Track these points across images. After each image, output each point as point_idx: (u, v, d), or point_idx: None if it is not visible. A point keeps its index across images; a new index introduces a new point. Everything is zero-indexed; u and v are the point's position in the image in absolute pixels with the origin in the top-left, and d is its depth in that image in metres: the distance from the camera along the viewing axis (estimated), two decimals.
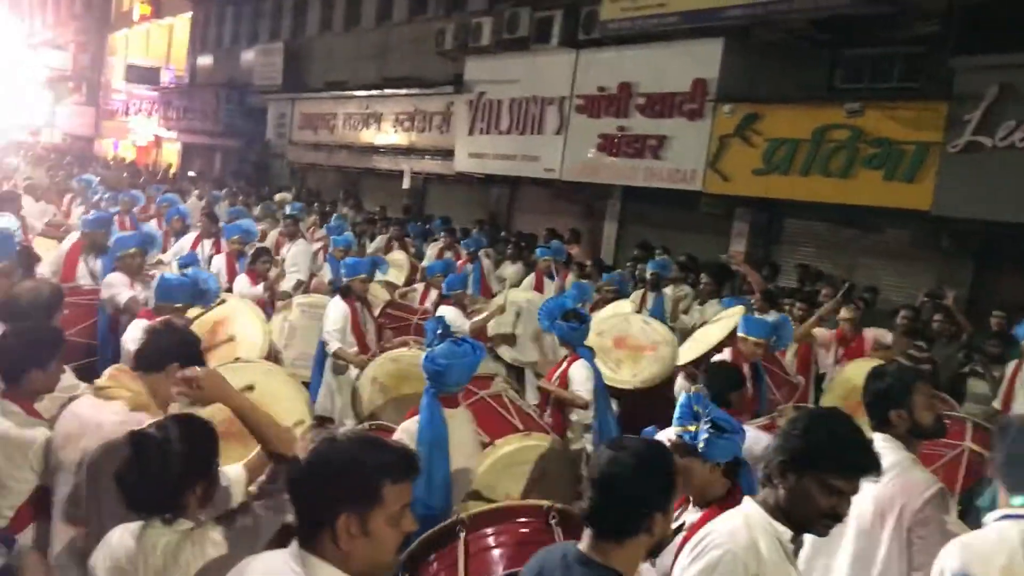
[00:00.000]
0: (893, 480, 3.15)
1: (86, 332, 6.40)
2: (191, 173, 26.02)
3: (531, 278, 10.11)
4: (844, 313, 7.71)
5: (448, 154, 17.70)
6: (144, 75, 33.03)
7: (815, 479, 2.30)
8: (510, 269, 11.55)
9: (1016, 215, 9.17)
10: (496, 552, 3.32)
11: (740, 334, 6.21)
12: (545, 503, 3.44)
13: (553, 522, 3.32)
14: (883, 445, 3.23)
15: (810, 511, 2.32)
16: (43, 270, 6.68)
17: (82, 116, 39.44)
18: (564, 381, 5.84)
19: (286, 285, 8.40)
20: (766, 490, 2.42)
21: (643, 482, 2.14)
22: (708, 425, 3.06)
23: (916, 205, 10.11)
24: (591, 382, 5.78)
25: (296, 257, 9.67)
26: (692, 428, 3.10)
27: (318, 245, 11.09)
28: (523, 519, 3.43)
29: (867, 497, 3.19)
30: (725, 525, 2.42)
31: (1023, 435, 2.77)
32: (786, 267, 12.16)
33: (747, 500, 2.47)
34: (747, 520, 2.38)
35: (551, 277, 9.93)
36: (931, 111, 9.96)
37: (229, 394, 2.66)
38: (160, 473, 2.46)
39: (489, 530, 3.38)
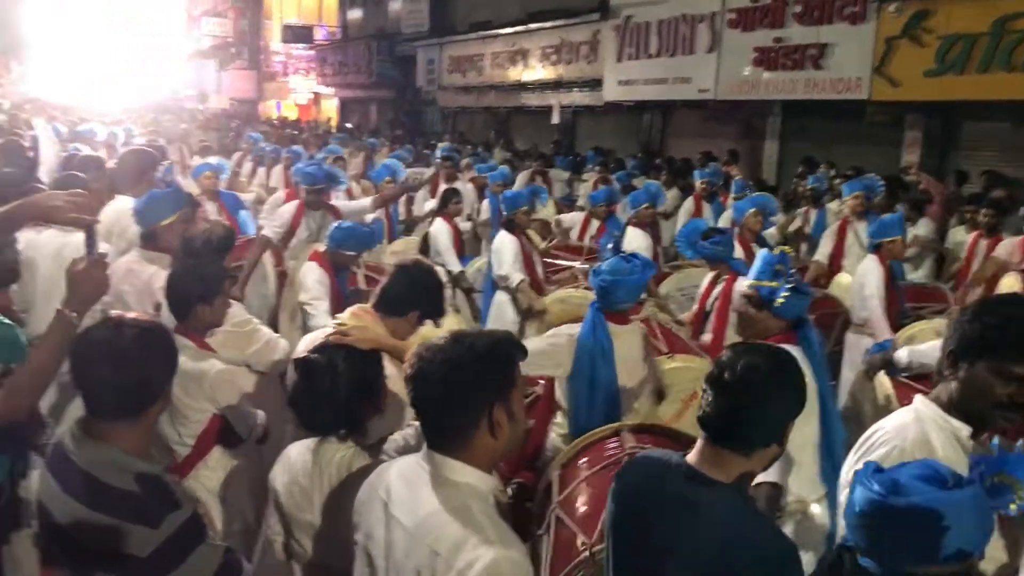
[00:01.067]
0: None
1: None
2: (348, 126, 26.80)
3: (689, 203, 9.85)
4: None
5: (597, 84, 17.44)
6: (299, 34, 34.15)
7: (989, 366, 2.13)
8: (667, 196, 11.29)
9: None
10: None
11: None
12: None
13: None
14: None
15: (986, 402, 2.16)
16: (267, 232, 6.94)
17: (245, 80, 41.24)
18: (726, 301, 5.69)
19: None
20: (939, 386, 2.27)
21: (781, 391, 2.03)
22: (789, 285, 3.35)
23: None
24: None
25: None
26: (772, 284, 3.36)
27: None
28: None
29: None
30: (893, 422, 2.30)
31: None
32: (971, 173, 11.32)
33: (918, 397, 2.32)
34: (918, 415, 2.25)
35: (709, 200, 9.65)
36: None
37: (380, 341, 2.86)
38: (329, 394, 2.56)
39: (644, 439, 3.38)
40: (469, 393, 1.92)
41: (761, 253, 3.63)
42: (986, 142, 11.78)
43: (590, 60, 17.99)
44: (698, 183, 9.89)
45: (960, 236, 8.06)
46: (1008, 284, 5.99)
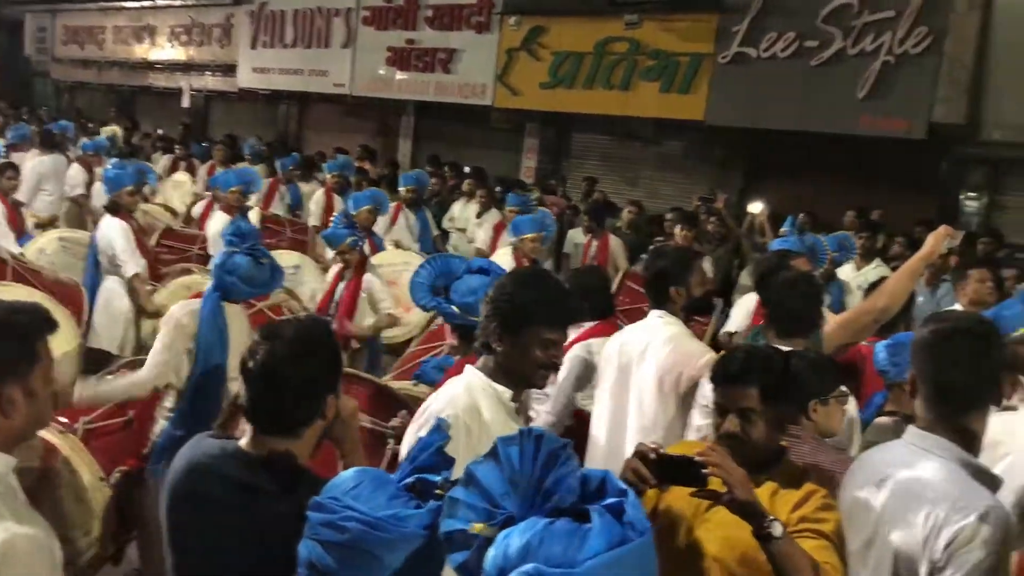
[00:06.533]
0: (672, 351, 3.38)
1: None
2: None
3: (320, 195, 9.81)
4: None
5: (230, 70, 16.85)
6: None
7: (530, 335, 2.37)
8: (304, 189, 11.14)
9: (778, 123, 9.79)
10: None
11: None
12: None
13: None
14: (662, 319, 3.51)
15: (528, 365, 2.40)
16: None
17: None
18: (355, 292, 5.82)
19: None
20: (483, 357, 2.48)
21: (309, 367, 2.00)
22: None
23: (691, 116, 10.59)
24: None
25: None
26: None
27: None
28: None
29: (649, 368, 3.42)
30: (445, 393, 2.48)
31: (785, 287, 3.30)
32: (575, 181, 12.45)
33: (468, 368, 2.52)
34: (468, 385, 2.44)
35: (340, 193, 9.68)
36: (703, 23, 10.38)
37: None
38: None
39: None
40: None
41: None
42: (591, 152, 13.06)
43: (223, 44, 17.32)
44: (328, 176, 9.90)
45: (578, 238, 8.77)
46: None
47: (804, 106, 9.53)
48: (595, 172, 12.44)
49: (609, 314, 4.46)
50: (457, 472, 1.57)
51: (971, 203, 9.51)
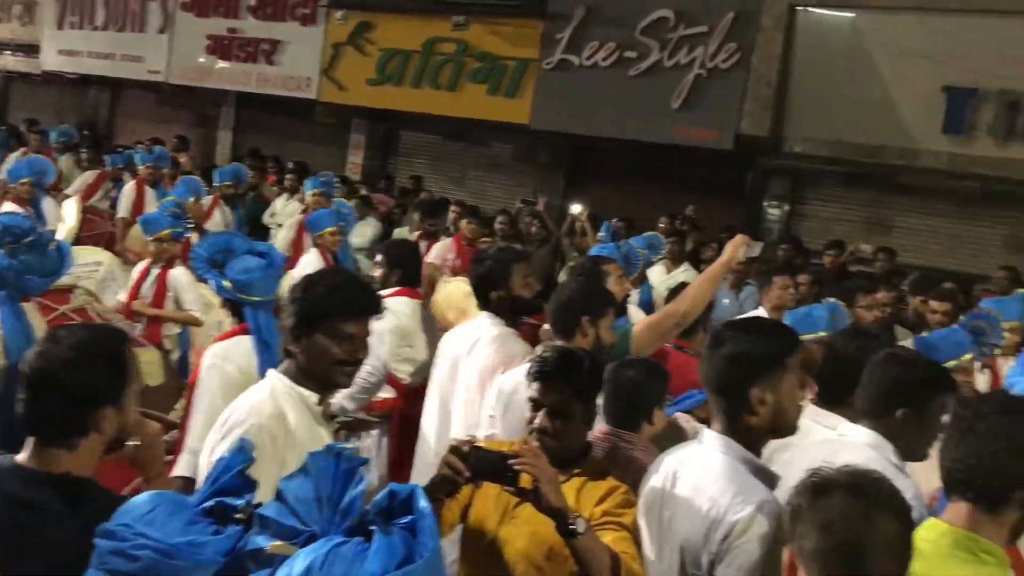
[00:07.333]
0: (496, 351, 3.43)
1: None
2: None
3: (130, 188, 9.29)
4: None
5: (33, 50, 15.70)
6: None
7: (325, 331, 2.34)
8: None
9: (598, 129, 10.12)
10: None
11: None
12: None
13: None
14: (489, 320, 3.56)
15: (326, 363, 2.36)
16: None
17: None
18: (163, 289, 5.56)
19: None
20: (286, 361, 2.44)
21: (85, 374, 1.89)
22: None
23: (517, 119, 10.75)
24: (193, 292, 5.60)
25: None
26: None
27: None
28: None
29: (474, 366, 3.46)
30: (248, 399, 2.40)
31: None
32: (402, 179, 12.42)
33: (271, 372, 2.46)
34: (272, 390, 2.38)
35: (153, 186, 9.22)
36: (528, 28, 10.57)
37: None
38: None
39: None
40: None
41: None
42: (419, 151, 13.05)
43: (25, 22, 16.14)
44: (142, 168, 9.40)
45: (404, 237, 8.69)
46: (450, 290, 6.60)
47: (623, 114, 9.88)
48: (422, 171, 12.47)
49: (416, 284, 4.67)
50: (265, 482, 1.55)
51: (774, 211, 10.18)
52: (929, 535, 1.85)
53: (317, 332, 2.34)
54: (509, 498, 2.27)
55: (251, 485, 1.49)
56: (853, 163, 9.32)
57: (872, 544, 1.52)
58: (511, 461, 2.08)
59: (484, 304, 3.64)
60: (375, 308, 2.44)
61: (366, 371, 4.22)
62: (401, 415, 4.30)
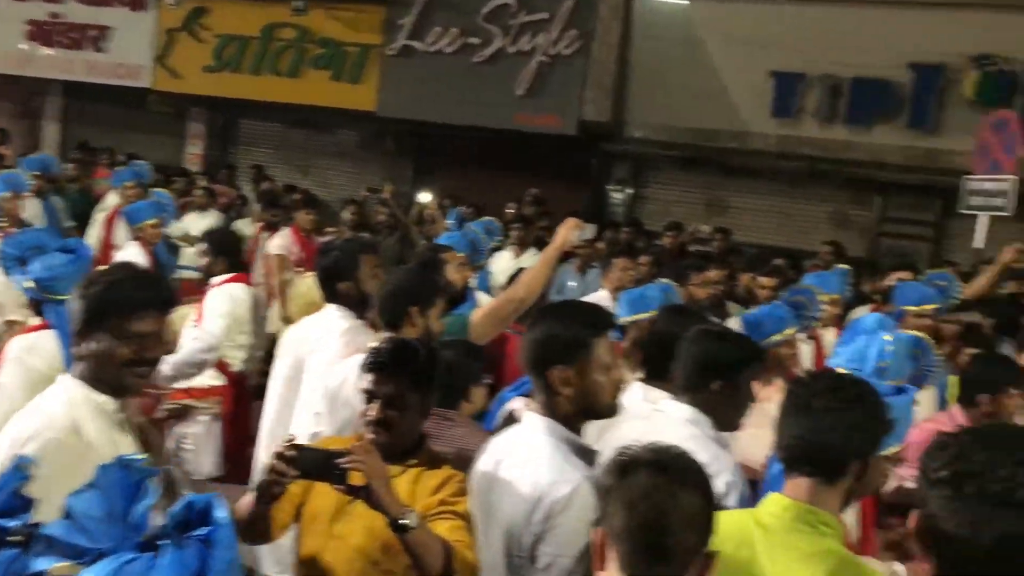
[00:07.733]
0: (347, 344, 3.30)
1: None
2: None
3: None
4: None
5: None
6: None
7: (111, 331, 2.14)
8: None
9: (443, 116, 10.09)
10: None
11: None
12: None
13: None
14: (337, 313, 3.47)
15: (114, 365, 2.16)
16: None
17: None
18: None
19: None
20: (79, 364, 2.21)
21: None
22: None
23: (362, 106, 10.61)
24: None
25: None
26: None
27: None
28: None
29: (321, 361, 3.33)
30: (40, 412, 2.17)
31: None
32: (243, 169, 12.02)
33: (65, 378, 2.24)
34: (69, 399, 2.17)
35: None
36: (369, 14, 10.44)
37: None
38: None
39: None
40: None
41: None
42: (262, 140, 12.68)
43: None
44: None
45: (247, 229, 8.42)
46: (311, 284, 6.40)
47: (468, 101, 9.89)
48: (266, 160, 12.11)
49: (242, 270, 4.77)
50: (61, 500, 1.45)
51: (617, 195, 10.44)
52: (773, 510, 1.92)
53: (102, 332, 2.15)
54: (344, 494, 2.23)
55: (26, 505, 1.39)
56: (690, 147, 9.67)
57: (675, 519, 1.55)
58: (339, 460, 2.04)
59: (331, 296, 3.54)
60: (163, 302, 2.26)
61: (197, 345, 4.12)
62: (232, 401, 4.20)
